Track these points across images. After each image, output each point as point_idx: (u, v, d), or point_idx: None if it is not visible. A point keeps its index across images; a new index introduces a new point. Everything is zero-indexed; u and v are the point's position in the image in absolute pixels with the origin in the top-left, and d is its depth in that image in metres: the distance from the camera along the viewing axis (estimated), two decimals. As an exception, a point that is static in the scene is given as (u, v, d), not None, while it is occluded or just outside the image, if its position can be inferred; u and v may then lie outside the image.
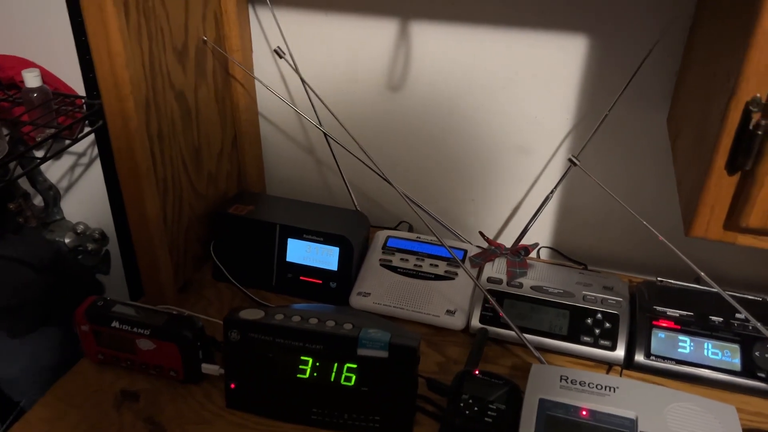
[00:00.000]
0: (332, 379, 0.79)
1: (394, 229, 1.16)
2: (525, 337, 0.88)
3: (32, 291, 1.24)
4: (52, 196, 1.39)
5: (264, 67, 1.12)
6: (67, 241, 1.39)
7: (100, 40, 0.78)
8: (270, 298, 1.03)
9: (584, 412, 0.77)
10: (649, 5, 0.91)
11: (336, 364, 0.78)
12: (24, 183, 1.36)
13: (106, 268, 1.47)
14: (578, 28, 0.95)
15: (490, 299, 0.90)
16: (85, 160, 1.35)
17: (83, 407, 0.84)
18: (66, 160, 1.35)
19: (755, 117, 0.59)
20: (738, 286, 1.03)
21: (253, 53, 1.10)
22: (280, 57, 1.06)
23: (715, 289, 0.79)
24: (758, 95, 0.58)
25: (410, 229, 1.16)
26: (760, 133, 0.59)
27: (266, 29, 1.09)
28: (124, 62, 0.79)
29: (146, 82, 0.87)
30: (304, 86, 1.08)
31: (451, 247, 1.05)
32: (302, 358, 0.79)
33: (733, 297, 0.89)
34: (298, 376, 0.80)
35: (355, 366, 0.78)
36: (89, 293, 1.42)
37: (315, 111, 1.09)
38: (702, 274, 0.76)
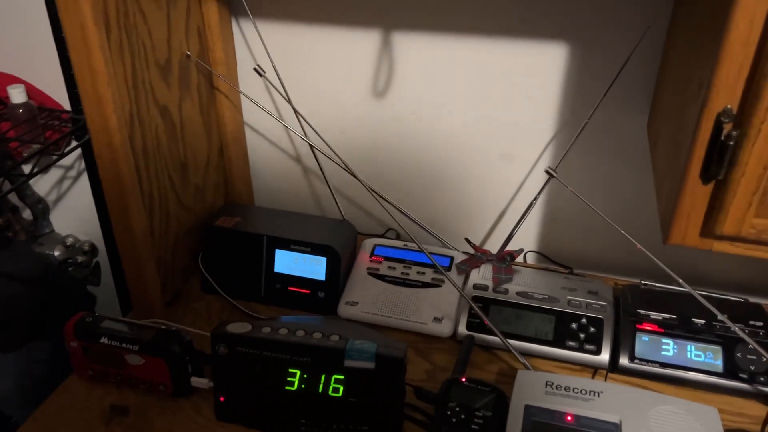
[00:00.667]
0: (320, 391, 0.79)
1: (382, 236, 1.17)
2: (510, 344, 0.89)
3: (22, 305, 1.24)
4: (41, 209, 1.39)
5: (249, 79, 1.12)
6: (56, 254, 1.39)
7: (81, 57, 0.78)
8: (259, 309, 1.04)
9: (569, 418, 0.78)
10: (627, 12, 0.92)
11: (323, 376, 0.79)
12: (12, 197, 1.36)
13: (96, 280, 1.47)
14: (557, 35, 0.96)
15: (475, 307, 0.91)
16: (73, 173, 1.35)
17: (72, 423, 0.85)
18: (54, 174, 1.35)
19: (726, 128, 0.60)
20: (721, 287, 1.04)
21: (237, 66, 1.11)
22: (260, 75, 1.07)
23: (695, 294, 0.80)
24: (729, 106, 0.59)
25: (398, 237, 1.17)
26: (731, 143, 0.60)
27: (250, 42, 1.10)
28: (105, 80, 0.80)
29: (130, 98, 0.87)
30: (289, 102, 1.08)
31: (437, 254, 1.06)
32: (290, 370, 0.80)
33: (714, 298, 0.91)
34: (287, 388, 0.80)
35: (342, 377, 0.79)
36: (80, 306, 1.43)
37: (300, 122, 1.10)
38: (679, 279, 0.78)
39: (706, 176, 0.64)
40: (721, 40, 0.58)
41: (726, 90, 0.59)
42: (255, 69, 1.06)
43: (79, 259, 1.40)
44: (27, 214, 1.39)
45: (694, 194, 0.65)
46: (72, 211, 1.40)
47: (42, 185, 1.37)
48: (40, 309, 1.28)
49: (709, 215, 0.66)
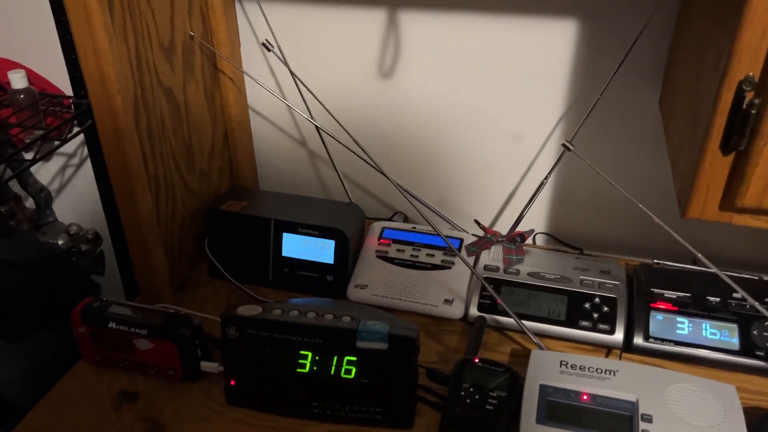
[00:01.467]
0: (332, 373, 0.78)
1: (389, 220, 1.15)
2: (523, 324, 0.87)
3: (27, 294, 1.23)
4: (44, 198, 1.37)
5: (253, 61, 1.11)
6: (60, 242, 1.38)
7: (84, 37, 0.77)
8: (267, 294, 1.03)
9: (585, 397, 0.77)
10: (638, -14, 0.90)
11: (335, 358, 0.78)
12: (15, 185, 1.35)
13: (101, 269, 1.46)
14: (567, 11, 0.94)
15: (488, 287, 0.90)
16: (75, 160, 1.33)
17: (82, 409, 0.84)
18: (56, 162, 1.34)
19: (748, 96, 0.58)
20: (734, 265, 1.03)
21: (241, 47, 1.09)
22: (268, 50, 1.05)
23: (712, 269, 0.79)
24: (751, 74, 0.58)
25: (405, 220, 1.16)
26: (753, 112, 0.58)
27: (254, 23, 1.08)
28: (110, 59, 0.78)
29: (134, 80, 0.86)
30: (294, 79, 1.07)
31: (447, 236, 1.05)
32: (301, 352, 0.79)
33: (729, 277, 0.89)
34: (298, 370, 0.79)
35: (354, 359, 0.78)
36: (85, 295, 1.42)
37: (306, 104, 1.08)
38: (699, 255, 0.76)
39: (726, 147, 0.62)
40: (743, 5, 0.56)
41: (748, 56, 0.57)
42: (263, 43, 1.05)
43: (83, 247, 1.39)
44: (30, 203, 1.38)
45: (713, 166, 0.64)
46: (75, 199, 1.38)
47: (44, 173, 1.36)
48: (44, 298, 1.27)
49: (729, 187, 0.65)
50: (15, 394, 1.18)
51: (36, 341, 1.22)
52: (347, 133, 1.05)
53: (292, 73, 1.06)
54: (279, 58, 1.07)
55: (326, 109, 1.06)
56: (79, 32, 0.77)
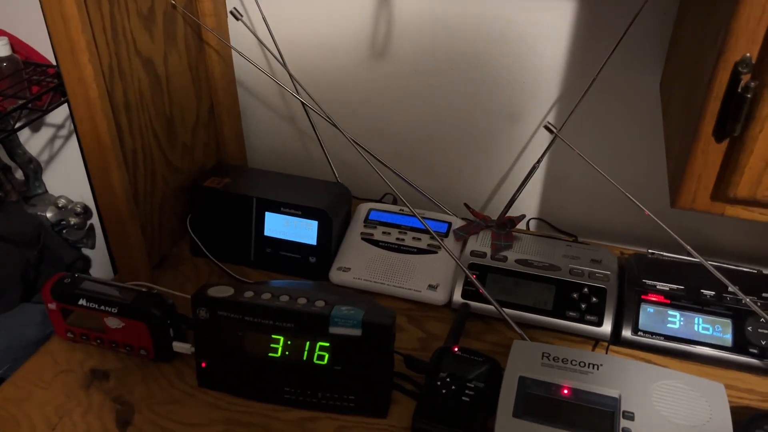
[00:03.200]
0: (305, 358, 0.76)
1: (380, 201, 1.12)
2: (507, 313, 0.84)
3: (13, 266, 1.22)
4: (33, 169, 1.36)
5: (240, 32, 1.07)
6: (49, 215, 1.36)
7: (52, 3, 0.73)
8: (249, 274, 1.00)
9: (566, 391, 0.74)
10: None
11: (308, 343, 0.76)
12: (4, 156, 1.33)
13: (91, 243, 1.44)
14: (567, -14, 0.90)
15: (468, 274, 0.87)
16: (64, 132, 1.31)
17: (51, 387, 0.82)
18: (45, 133, 1.31)
19: (744, 78, 0.54)
20: (733, 257, 0.99)
21: (228, 18, 1.05)
22: (237, 19, 1.01)
23: (704, 263, 0.75)
24: (748, 55, 0.54)
25: (395, 202, 1.12)
26: (749, 96, 0.54)
27: (241, -7, 1.04)
28: (80, 27, 0.75)
29: (108, 49, 0.82)
30: (277, 56, 1.03)
31: (435, 219, 1.02)
32: (273, 336, 0.76)
33: (726, 269, 0.86)
34: (270, 354, 0.77)
35: (327, 344, 0.75)
36: (72, 268, 1.41)
37: (293, 79, 1.05)
38: (689, 248, 0.73)
39: (720, 133, 0.59)
40: (741, -21, 0.52)
41: (745, 36, 0.53)
42: (231, 12, 1.00)
43: (72, 221, 1.37)
44: (19, 174, 1.36)
45: (706, 153, 0.60)
46: (64, 171, 1.36)
47: (33, 144, 1.33)
48: (31, 271, 1.26)
49: (722, 176, 0.61)
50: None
51: (22, 314, 1.21)
52: (324, 112, 1.01)
53: (270, 49, 1.02)
54: (250, 29, 1.02)
55: (304, 89, 1.03)
56: (47, -2, 0.73)
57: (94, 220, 1.40)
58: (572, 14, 0.92)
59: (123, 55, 0.85)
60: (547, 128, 0.81)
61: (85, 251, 1.45)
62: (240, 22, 1.02)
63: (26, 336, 1.19)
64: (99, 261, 1.45)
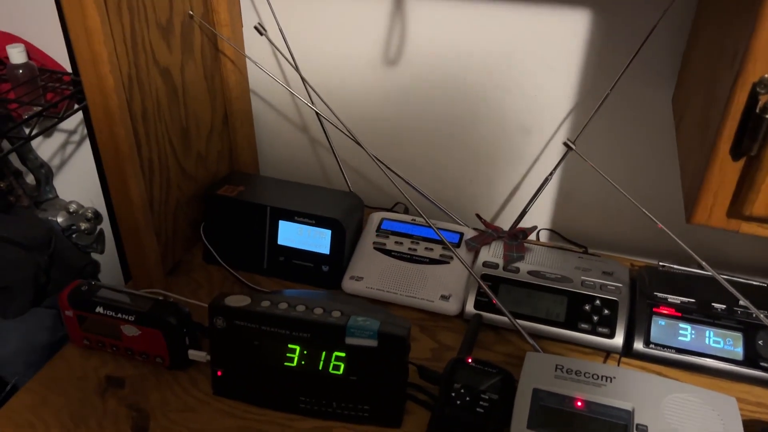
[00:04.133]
0: (320, 368, 0.77)
1: (390, 210, 1.13)
2: (519, 324, 0.85)
3: (24, 271, 1.22)
4: (44, 174, 1.36)
5: (255, 43, 1.08)
6: (59, 220, 1.37)
7: (75, 15, 0.74)
8: (261, 282, 1.01)
9: (579, 403, 0.74)
10: (655, -23, 0.86)
11: (324, 353, 0.76)
12: (15, 161, 1.33)
13: (101, 248, 1.45)
14: (581, 1, 0.91)
15: (483, 285, 0.87)
16: (76, 137, 1.32)
17: (67, 393, 0.82)
18: (57, 138, 1.32)
19: (762, 99, 0.55)
20: (744, 270, 1.00)
21: (243, 28, 1.06)
22: (261, 34, 1.02)
23: (716, 276, 0.76)
24: (766, 76, 0.54)
25: (406, 211, 1.13)
26: (767, 116, 0.55)
27: (257, 3, 1.05)
28: (102, 39, 0.76)
29: (128, 59, 0.83)
30: (291, 64, 1.04)
31: (447, 230, 1.03)
32: (289, 346, 0.77)
33: (737, 283, 0.86)
34: (286, 364, 0.77)
35: (343, 355, 0.76)
36: (83, 273, 1.41)
37: (307, 89, 1.05)
38: (702, 262, 0.73)
39: (737, 152, 0.59)
40: (761, 2, 0.53)
41: (764, 57, 0.54)
42: (255, 27, 1.01)
43: (83, 226, 1.38)
44: (30, 179, 1.37)
45: (722, 171, 0.61)
46: (76, 176, 1.37)
47: (45, 149, 1.34)
48: (42, 275, 1.26)
49: (738, 194, 0.61)
50: (9, 371, 1.17)
51: (32, 319, 1.21)
52: (341, 122, 1.02)
53: (290, 61, 1.03)
54: (272, 44, 1.04)
55: (321, 99, 1.03)
56: (70, 10, 0.74)
57: (104, 225, 1.41)
58: (585, 29, 0.93)
59: (142, 65, 0.86)
60: (566, 145, 0.81)
61: (95, 256, 1.45)
62: (261, 35, 1.03)
63: (37, 340, 1.20)
64: (108, 266, 1.46)
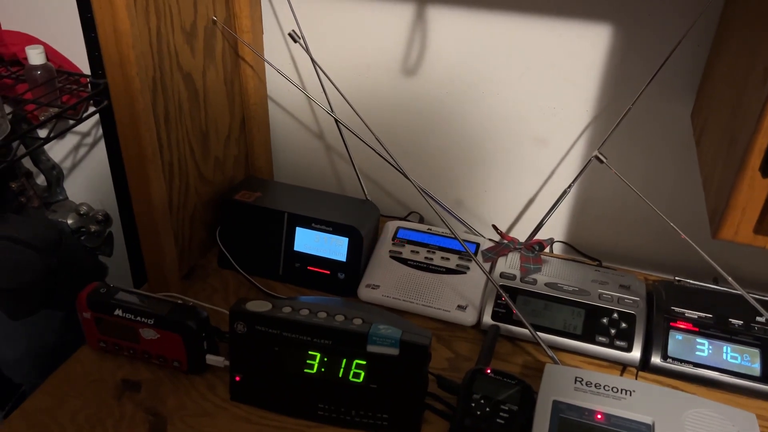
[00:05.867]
0: (340, 375, 0.76)
1: (405, 219, 1.13)
2: (539, 336, 0.85)
3: (34, 272, 1.22)
4: (56, 175, 1.36)
5: (274, 49, 1.08)
6: (69, 222, 1.36)
7: (105, 17, 0.74)
8: (276, 288, 1.01)
9: (599, 416, 0.74)
10: (677, -6, 0.87)
11: (344, 360, 0.76)
12: (27, 162, 1.33)
13: (109, 250, 1.44)
14: (601, 15, 0.91)
15: (504, 295, 0.87)
16: (89, 140, 1.32)
17: (83, 396, 0.82)
18: (70, 140, 1.32)
19: (796, 116, 0.55)
20: (759, 287, 1.00)
21: (264, 35, 1.07)
22: (295, 41, 1.02)
23: (739, 291, 0.76)
24: (800, 93, 0.55)
25: (421, 220, 1.13)
26: (800, 133, 0.55)
27: (278, 10, 1.05)
28: (131, 41, 0.76)
29: (153, 62, 0.84)
30: (317, 71, 1.04)
31: (463, 240, 1.02)
32: (310, 352, 0.77)
33: (755, 299, 0.86)
34: (305, 370, 0.77)
35: (364, 362, 0.76)
36: (92, 275, 1.41)
37: (326, 96, 1.06)
38: (729, 278, 0.74)
39: (767, 169, 0.60)
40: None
41: (798, 75, 0.55)
42: (290, 34, 1.02)
43: (92, 228, 1.37)
44: (41, 180, 1.36)
45: (751, 187, 0.61)
46: (87, 178, 1.37)
47: (57, 151, 1.34)
48: (51, 277, 1.25)
49: (767, 211, 0.62)
50: (17, 373, 1.16)
51: (41, 320, 1.21)
52: (369, 128, 1.02)
53: (315, 64, 1.04)
54: (305, 50, 1.04)
55: (350, 105, 1.04)
56: (101, 11, 0.74)
57: (114, 228, 1.40)
58: (605, 43, 0.93)
59: (166, 69, 0.86)
60: (597, 158, 0.82)
61: (102, 259, 1.45)
62: (295, 41, 1.03)
63: (45, 342, 1.19)
64: (115, 269, 1.46)
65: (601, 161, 0.82)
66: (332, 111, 1.05)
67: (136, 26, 0.77)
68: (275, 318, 0.77)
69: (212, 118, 1.00)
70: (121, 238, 1.41)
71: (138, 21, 0.78)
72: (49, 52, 1.15)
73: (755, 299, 0.87)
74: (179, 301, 0.84)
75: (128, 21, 0.75)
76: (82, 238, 1.39)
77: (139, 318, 0.82)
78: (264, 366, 0.79)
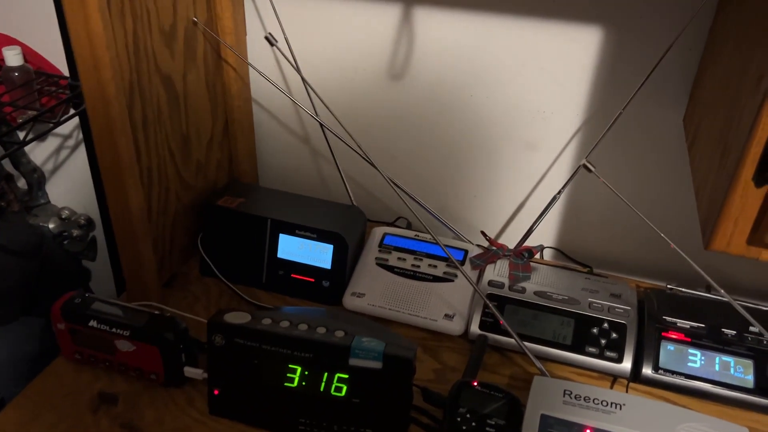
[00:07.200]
0: (322, 390, 0.74)
1: (392, 224, 1.11)
2: (527, 347, 0.83)
3: (13, 278, 1.19)
4: (36, 179, 1.33)
5: (258, 51, 1.06)
6: (51, 226, 1.34)
7: (78, 19, 0.72)
8: (260, 296, 0.98)
9: (588, 431, 0.72)
10: (669, -4, 0.85)
11: (326, 374, 0.74)
12: (7, 164, 1.30)
13: (92, 255, 1.42)
14: (593, 17, 0.89)
15: (491, 307, 0.85)
16: (71, 142, 1.29)
17: (58, 409, 0.79)
18: (51, 142, 1.29)
19: (791, 125, 0.53)
20: (753, 295, 0.98)
21: (246, 36, 1.04)
22: (272, 45, 1.00)
23: (729, 300, 0.74)
24: (795, 102, 0.53)
25: (408, 226, 1.11)
26: (795, 143, 0.53)
27: (261, 11, 1.03)
28: (104, 43, 0.73)
29: (130, 65, 0.81)
30: (300, 73, 1.02)
31: (451, 247, 1.01)
32: (290, 366, 0.74)
33: (747, 308, 0.84)
34: (286, 384, 0.75)
35: (346, 376, 0.73)
36: (74, 281, 1.38)
37: (311, 99, 1.03)
38: (721, 289, 0.72)
39: (760, 179, 0.58)
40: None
41: (794, 83, 0.53)
42: (266, 37, 0.99)
43: (75, 232, 1.35)
44: (22, 183, 1.33)
45: (744, 198, 0.59)
46: (69, 182, 1.34)
47: (38, 154, 1.31)
48: (32, 283, 1.23)
49: (760, 221, 0.60)
50: (-3, 381, 1.14)
51: (21, 327, 1.18)
52: (348, 133, 1.00)
53: (297, 69, 1.01)
54: (283, 55, 1.02)
55: (328, 108, 1.02)
56: (73, 13, 0.72)
57: (97, 232, 1.38)
58: (596, 47, 0.91)
59: (144, 71, 0.84)
60: (585, 167, 0.80)
61: (86, 264, 1.42)
62: (272, 45, 1.01)
63: (25, 350, 1.17)
64: (99, 274, 1.43)
65: (590, 170, 0.79)
66: (317, 115, 1.03)
67: (110, 28, 0.74)
68: (254, 330, 0.74)
69: (194, 122, 0.97)
70: (104, 242, 1.38)
71: (113, 23, 0.75)
72: (28, 53, 1.12)
73: (748, 308, 0.86)
74: (157, 312, 0.82)
75: (101, 23, 0.72)
76: (65, 242, 1.36)
77: (114, 329, 0.79)
78: (243, 379, 0.76)
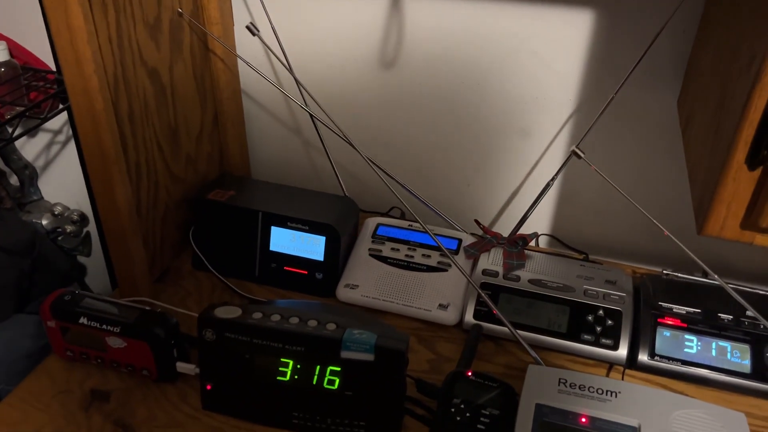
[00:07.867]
0: (314, 383, 0.73)
1: (386, 214, 1.10)
2: (521, 336, 0.82)
3: (7, 275, 1.18)
4: (28, 175, 1.32)
5: (247, 42, 1.04)
6: (44, 222, 1.33)
7: (58, 12, 0.70)
8: (253, 289, 0.97)
9: (584, 419, 0.71)
10: (661, -23, 0.83)
11: (318, 367, 0.73)
12: (-2, 162, 1.29)
13: (87, 251, 1.41)
14: (584, 1, 0.88)
15: (483, 296, 0.84)
16: (61, 137, 1.28)
17: (49, 409, 0.79)
18: (42, 138, 1.28)
19: (783, 106, 0.52)
20: (750, 279, 0.97)
21: (234, 26, 1.03)
22: (253, 34, 0.98)
23: (725, 287, 0.73)
24: (787, 82, 0.52)
25: (402, 216, 1.10)
26: (788, 124, 0.52)
27: (249, 0, 1.01)
28: (85, 37, 0.72)
29: (114, 59, 0.80)
30: (286, 65, 1.01)
31: (444, 236, 1.00)
32: (282, 359, 0.74)
33: (744, 292, 0.84)
34: (278, 378, 0.74)
35: (338, 369, 0.73)
36: (69, 277, 1.37)
37: (300, 90, 1.02)
38: (714, 275, 0.71)
39: (753, 161, 0.57)
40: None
41: (785, 63, 0.51)
42: (247, 27, 0.98)
43: (68, 228, 1.34)
44: (14, 179, 1.33)
45: (737, 181, 0.58)
46: (61, 178, 1.33)
47: (30, 150, 1.30)
48: (26, 280, 1.22)
49: (753, 205, 0.59)
50: (-9, 379, 1.13)
51: (15, 325, 1.18)
52: (335, 124, 0.99)
53: (285, 65, 1.00)
54: (267, 47, 1.00)
55: (313, 99, 1.00)
56: (52, 7, 0.70)
57: (91, 227, 1.37)
58: (588, 30, 0.90)
59: (128, 65, 0.82)
60: (574, 153, 0.78)
61: (81, 259, 1.41)
62: (254, 35, 0.99)
63: (20, 348, 1.16)
64: (95, 269, 1.42)
65: (579, 157, 0.78)
66: (306, 105, 1.01)
67: (91, 21, 0.73)
68: (245, 324, 0.73)
69: (182, 115, 0.96)
70: (99, 237, 1.37)
71: (94, 16, 0.74)
72: (14, 48, 1.11)
73: (744, 293, 0.85)
74: (148, 308, 0.81)
75: (82, 16, 0.71)
76: (59, 239, 1.35)
77: (104, 326, 0.78)
78: (235, 374, 0.75)
